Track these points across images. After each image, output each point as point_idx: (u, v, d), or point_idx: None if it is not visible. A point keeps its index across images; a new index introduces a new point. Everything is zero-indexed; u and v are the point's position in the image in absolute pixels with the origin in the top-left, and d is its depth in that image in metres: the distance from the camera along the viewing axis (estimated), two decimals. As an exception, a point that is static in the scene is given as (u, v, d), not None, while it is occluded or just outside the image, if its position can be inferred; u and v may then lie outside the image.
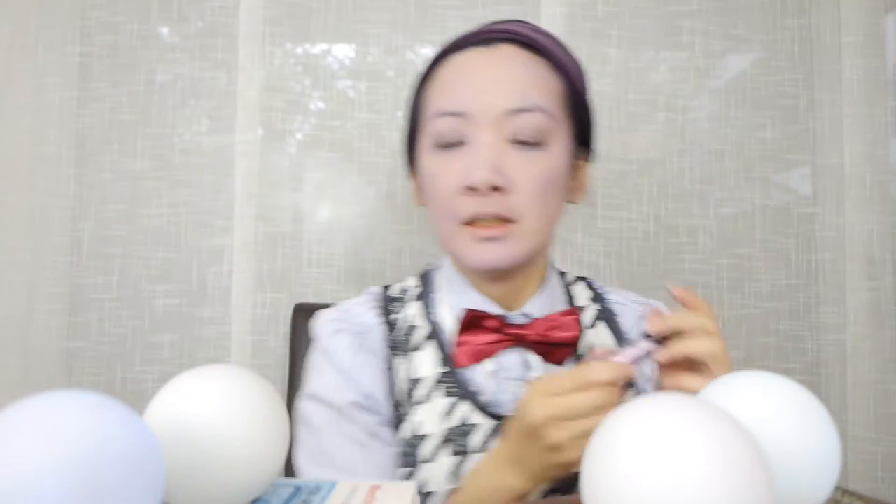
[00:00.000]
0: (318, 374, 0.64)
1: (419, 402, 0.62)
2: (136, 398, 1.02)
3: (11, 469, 0.24)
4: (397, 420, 0.62)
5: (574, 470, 0.46)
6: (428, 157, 0.62)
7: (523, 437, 0.51)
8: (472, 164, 0.58)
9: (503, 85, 0.59)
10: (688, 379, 0.50)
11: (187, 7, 1.07)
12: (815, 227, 1.10)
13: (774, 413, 0.33)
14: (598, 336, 0.68)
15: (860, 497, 0.39)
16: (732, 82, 1.11)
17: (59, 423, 0.26)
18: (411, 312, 0.67)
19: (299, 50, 1.09)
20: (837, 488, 0.41)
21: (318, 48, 1.09)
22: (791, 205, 1.11)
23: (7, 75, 1.04)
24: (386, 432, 0.62)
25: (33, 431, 0.25)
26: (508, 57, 0.61)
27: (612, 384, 0.48)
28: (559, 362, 0.63)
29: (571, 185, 0.66)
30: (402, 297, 0.69)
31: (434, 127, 0.61)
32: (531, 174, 0.59)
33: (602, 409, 0.47)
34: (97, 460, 0.25)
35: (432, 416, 0.61)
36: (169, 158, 1.06)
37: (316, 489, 0.38)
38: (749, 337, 1.09)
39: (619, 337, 0.69)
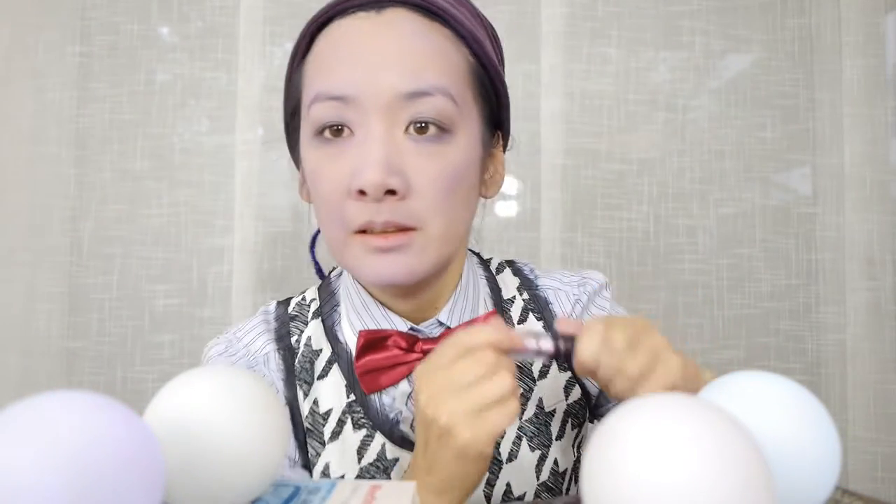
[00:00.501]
0: None
1: (330, 439, 0.54)
2: (136, 398, 1.02)
3: (11, 469, 0.24)
4: (307, 462, 0.55)
5: (479, 462, 0.42)
6: (309, 150, 0.52)
7: (422, 431, 0.43)
8: (361, 163, 0.47)
9: (394, 62, 0.48)
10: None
11: (187, 7, 1.07)
12: (815, 227, 1.10)
13: (774, 413, 0.33)
14: None
15: (860, 497, 0.39)
16: (732, 82, 1.11)
17: (59, 423, 0.26)
18: (311, 333, 0.58)
19: (299, 50, 1.09)
20: (837, 488, 0.41)
21: (318, 48, 1.09)
22: (791, 205, 1.11)
23: (7, 75, 1.04)
24: (301, 473, 0.55)
25: (33, 431, 0.25)
26: (400, 25, 0.50)
27: (495, 347, 0.42)
28: None
29: (484, 179, 0.57)
30: (300, 315, 0.60)
31: (314, 113, 0.50)
32: (433, 172, 0.49)
33: (489, 377, 0.41)
34: (97, 460, 0.25)
35: (343, 455, 0.54)
36: (169, 158, 1.06)
37: (316, 489, 0.38)
38: (749, 337, 1.09)
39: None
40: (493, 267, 0.66)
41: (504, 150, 0.61)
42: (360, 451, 0.54)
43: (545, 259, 1.06)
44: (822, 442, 0.33)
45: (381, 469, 0.54)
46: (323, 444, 0.55)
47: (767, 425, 0.32)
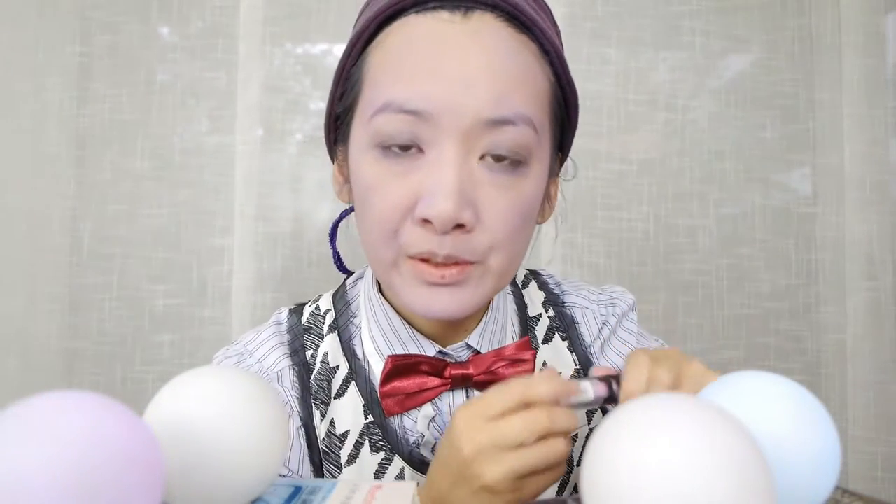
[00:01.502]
0: None
1: (347, 463, 0.52)
2: (136, 398, 1.02)
3: (11, 469, 0.24)
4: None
5: None
6: (365, 158, 0.47)
7: (450, 476, 0.40)
8: (432, 189, 0.43)
9: (481, 81, 0.43)
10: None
11: (187, 7, 1.07)
12: (815, 227, 1.10)
13: (774, 413, 0.33)
14: (555, 353, 0.57)
15: (860, 497, 0.39)
16: (732, 82, 1.11)
17: (59, 423, 0.26)
18: (327, 348, 0.54)
19: (299, 50, 1.09)
20: (837, 488, 0.41)
21: (318, 48, 1.09)
22: (791, 205, 1.11)
23: (7, 75, 1.04)
24: None
25: (33, 431, 0.25)
26: (489, 36, 0.45)
27: (555, 402, 0.40)
28: None
29: (542, 205, 0.53)
30: (315, 328, 0.56)
31: (380, 123, 0.45)
32: (504, 206, 0.45)
33: (543, 441, 0.38)
34: (97, 460, 0.25)
35: (361, 477, 0.52)
36: (169, 158, 1.06)
37: (316, 489, 0.38)
38: (749, 337, 1.09)
39: (580, 350, 0.58)
40: (518, 280, 0.62)
41: (562, 164, 0.58)
42: (378, 475, 0.52)
43: (545, 259, 1.06)
44: (822, 442, 0.33)
45: None
46: (339, 467, 0.52)
47: (767, 425, 0.32)
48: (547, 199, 0.54)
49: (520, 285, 0.62)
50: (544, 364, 0.58)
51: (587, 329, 0.60)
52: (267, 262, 1.06)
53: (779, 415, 0.33)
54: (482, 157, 0.45)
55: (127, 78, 1.06)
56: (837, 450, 0.33)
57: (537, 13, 0.49)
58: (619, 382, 0.42)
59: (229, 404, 0.34)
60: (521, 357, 0.52)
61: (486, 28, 0.45)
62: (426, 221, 0.44)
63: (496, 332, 0.55)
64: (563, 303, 0.61)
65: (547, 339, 0.58)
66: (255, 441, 0.34)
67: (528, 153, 0.46)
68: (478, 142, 0.44)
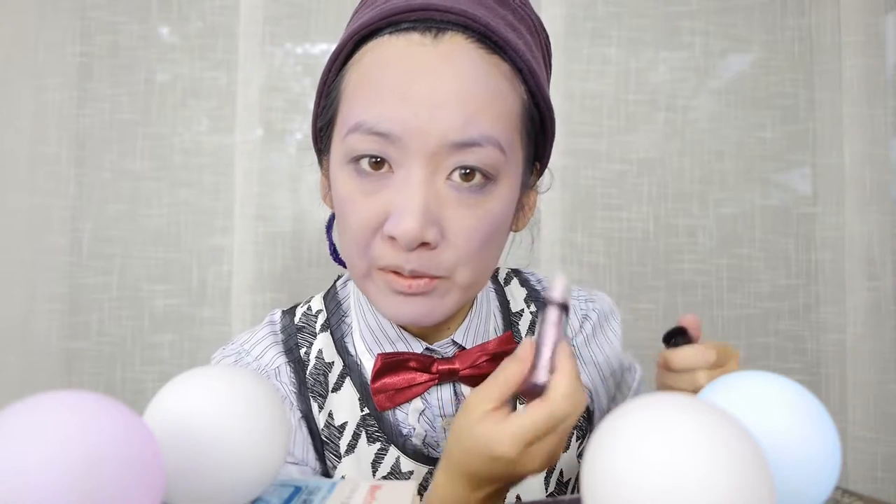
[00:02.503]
0: None
1: (346, 453, 0.54)
2: (136, 398, 1.02)
3: (11, 469, 0.24)
4: (327, 471, 0.55)
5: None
6: (341, 174, 0.49)
7: (487, 462, 0.43)
8: (398, 208, 0.45)
9: (448, 105, 0.45)
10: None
11: (187, 7, 1.07)
12: (815, 227, 1.10)
13: (774, 413, 0.33)
14: None
15: (860, 497, 0.39)
16: (732, 82, 1.11)
17: (59, 423, 0.26)
18: (321, 346, 0.57)
19: (299, 50, 1.09)
20: (837, 488, 0.41)
21: (318, 48, 1.09)
22: (791, 205, 1.11)
23: (7, 75, 1.04)
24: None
25: (33, 431, 0.25)
26: (459, 59, 0.46)
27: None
28: None
29: (517, 214, 0.55)
30: (308, 327, 0.59)
31: (352, 143, 0.47)
32: (470, 224, 0.47)
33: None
34: (97, 460, 0.25)
35: (359, 467, 0.54)
36: (169, 158, 1.06)
37: (316, 489, 0.38)
38: (749, 337, 1.09)
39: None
40: (500, 278, 0.65)
41: (539, 178, 0.59)
42: (375, 465, 0.54)
43: (545, 259, 1.06)
44: (822, 442, 0.33)
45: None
46: (339, 456, 0.55)
47: (767, 425, 0.32)
48: (521, 209, 0.56)
49: (502, 283, 0.65)
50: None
51: (568, 323, 0.61)
52: (267, 261, 1.06)
53: (779, 415, 0.33)
54: (449, 177, 0.46)
55: (127, 78, 1.06)
56: (837, 450, 0.33)
57: (514, 28, 0.49)
58: (567, 311, 0.44)
59: (229, 404, 0.34)
60: (505, 350, 0.54)
61: (457, 51, 0.46)
62: (393, 238, 0.46)
63: (480, 329, 0.58)
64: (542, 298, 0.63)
65: (530, 333, 0.61)
66: (255, 441, 0.34)
67: (495, 172, 0.47)
68: (444, 162, 0.46)
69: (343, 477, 0.55)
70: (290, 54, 1.08)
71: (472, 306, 0.58)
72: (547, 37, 0.56)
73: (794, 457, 0.32)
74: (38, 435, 0.25)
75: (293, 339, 0.58)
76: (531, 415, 0.41)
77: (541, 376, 0.42)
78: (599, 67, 1.09)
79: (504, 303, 0.63)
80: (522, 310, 0.62)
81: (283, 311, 0.62)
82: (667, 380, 0.51)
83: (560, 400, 0.41)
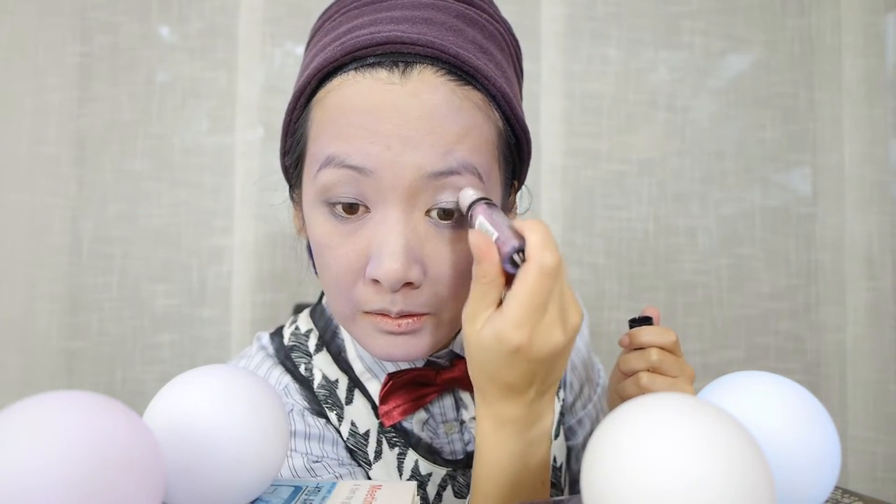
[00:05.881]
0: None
1: (375, 459, 0.54)
2: (136, 398, 1.02)
3: (11, 469, 0.24)
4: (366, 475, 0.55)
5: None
6: (315, 214, 0.47)
7: (509, 360, 0.41)
8: (379, 250, 0.43)
9: (421, 138, 0.43)
10: (647, 377, 0.52)
11: (187, 7, 1.07)
12: (815, 227, 1.10)
13: (774, 413, 0.33)
14: None
15: (860, 497, 0.39)
16: (732, 82, 1.11)
17: (59, 423, 0.26)
18: (321, 365, 0.56)
19: (299, 50, 1.09)
20: (837, 488, 0.41)
21: (318, 48, 1.09)
22: (791, 205, 1.11)
23: (7, 75, 1.04)
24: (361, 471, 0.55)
25: (33, 431, 0.25)
26: (429, 95, 0.44)
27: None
28: None
29: None
30: (300, 346, 0.58)
31: (325, 179, 0.45)
32: (452, 259, 0.45)
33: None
34: (97, 460, 0.25)
35: (388, 473, 0.54)
36: (169, 158, 1.06)
37: (316, 489, 0.38)
38: (749, 337, 1.09)
39: None
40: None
41: (516, 193, 0.58)
42: (399, 468, 0.54)
43: (545, 259, 1.06)
44: (822, 442, 0.33)
45: (419, 484, 0.54)
46: (369, 463, 0.54)
47: (767, 425, 0.32)
48: None
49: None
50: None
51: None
52: (267, 262, 1.06)
53: (779, 415, 0.33)
54: (427, 213, 0.45)
55: (127, 78, 1.06)
56: (837, 450, 0.33)
57: (484, 51, 0.48)
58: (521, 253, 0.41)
59: (229, 404, 0.34)
60: None
61: (426, 88, 0.44)
62: (376, 281, 0.44)
63: None
64: None
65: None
66: (255, 441, 0.34)
67: None
68: (422, 196, 0.44)
69: (370, 478, 0.55)
70: (290, 54, 1.08)
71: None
72: (516, 42, 0.55)
73: (794, 457, 0.32)
74: (38, 435, 0.25)
75: (289, 360, 0.57)
76: (519, 286, 0.39)
77: (511, 243, 0.40)
78: (599, 67, 1.09)
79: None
80: None
81: (269, 333, 0.60)
82: (625, 358, 0.55)
83: (541, 251, 0.39)
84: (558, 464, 0.61)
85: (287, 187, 0.58)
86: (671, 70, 1.11)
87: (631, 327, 0.57)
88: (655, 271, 1.08)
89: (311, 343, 0.58)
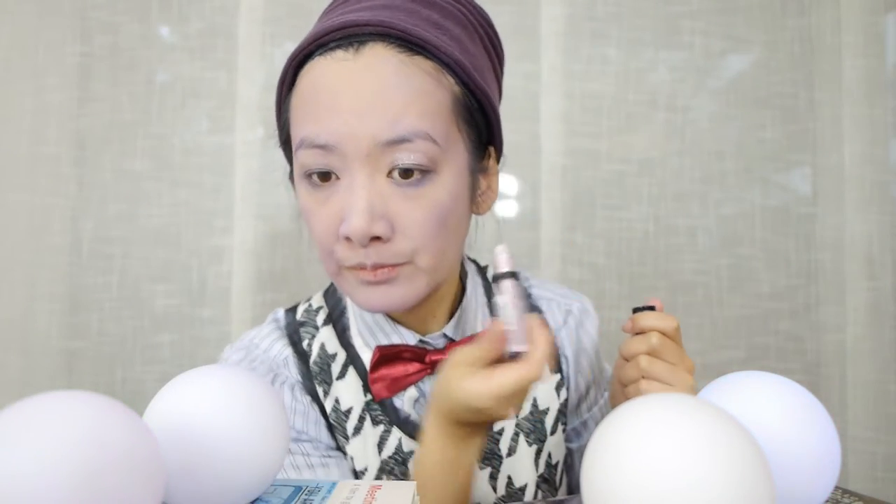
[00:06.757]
0: None
1: (353, 434, 0.59)
2: (136, 398, 1.02)
3: (11, 469, 0.24)
4: (339, 445, 0.59)
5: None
6: (300, 188, 0.54)
7: (471, 412, 0.48)
8: (347, 210, 0.49)
9: (373, 109, 0.48)
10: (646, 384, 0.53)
11: (187, 7, 1.07)
12: (815, 227, 1.10)
13: (774, 413, 0.33)
14: None
15: (860, 497, 0.40)
16: (732, 82, 1.11)
17: (59, 423, 0.26)
18: (324, 339, 0.62)
19: (299, 50, 1.09)
20: (837, 488, 0.41)
21: (318, 48, 1.09)
22: (791, 205, 1.11)
23: (7, 75, 1.04)
24: (337, 454, 0.59)
25: (33, 431, 0.25)
26: (379, 67, 0.49)
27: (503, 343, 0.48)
28: None
29: (476, 197, 0.57)
30: (309, 321, 0.63)
31: (301, 158, 0.52)
32: (419, 215, 0.50)
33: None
34: (97, 460, 0.25)
35: (365, 448, 0.58)
36: (169, 158, 1.06)
37: (316, 489, 0.38)
38: (749, 337, 1.09)
39: None
40: (489, 274, 0.69)
41: (498, 162, 0.61)
42: (380, 445, 0.58)
43: (545, 259, 1.06)
44: (822, 442, 0.33)
45: (400, 461, 0.58)
46: (346, 438, 0.59)
47: (767, 425, 0.32)
48: (480, 192, 0.58)
49: (490, 279, 0.69)
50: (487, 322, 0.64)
51: (552, 318, 0.67)
52: (267, 261, 1.06)
53: (779, 415, 0.33)
54: (389, 174, 0.50)
55: (127, 78, 1.06)
56: (837, 450, 0.33)
57: (438, 26, 0.52)
58: (517, 278, 0.49)
59: (229, 404, 0.34)
60: None
61: (376, 60, 0.49)
62: (349, 239, 0.50)
63: (468, 323, 0.63)
64: (530, 294, 0.69)
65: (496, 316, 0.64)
66: (255, 441, 0.34)
67: (433, 163, 0.50)
68: (381, 161, 0.49)
69: (366, 468, 0.58)
70: (289, 54, 1.08)
71: (460, 302, 0.63)
72: (486, 22, 0.58)
73: (794, 457, 0.32)
74: (39, 435, 0.25)
75: (297, 334, 0.62)
76: (508, 377, 0.46)
77: (516, 346, 0.48)
78: (599, 67, 1.09)
79: (491, 296, 0.67)
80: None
81: (285, 309, 0.66)
82: (626, 343, 0.57)
83: (535, 366, 0.46)
84: (554, 461, 0.64)
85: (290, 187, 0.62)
86: (671, 70, 1.11)
87: (634, 314, 0.58)
88: (655, 271, 1.08)
89: (320, 318, 0.63)
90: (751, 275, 1.09)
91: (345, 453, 0.59)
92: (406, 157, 0.49)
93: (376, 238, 0.50)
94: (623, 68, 1.09)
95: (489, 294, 0.67)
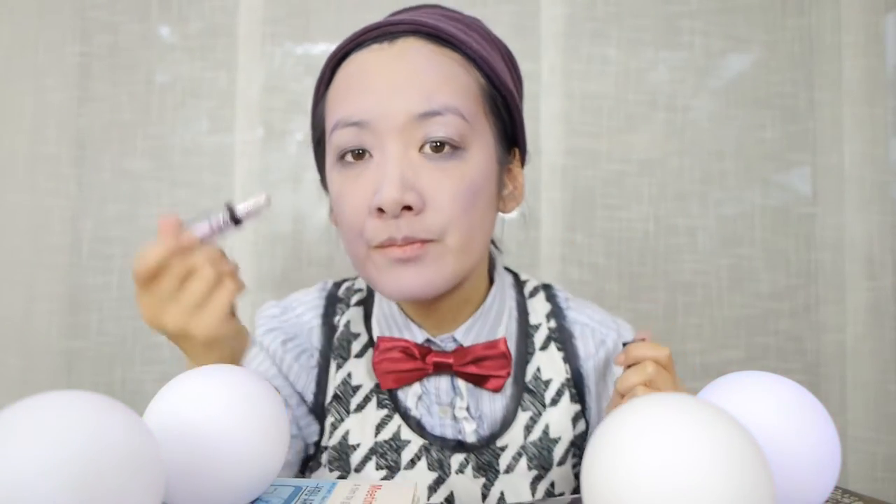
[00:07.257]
0: (252, 360, 0.63)
1: (354, 410, 0.60)
2: (136, 398, 1.02)
3: (11, 469, 0.24)
4: (324, 421, 0.61)
5: (224, 348, 0.50)
6: (333, 174, 0.55)
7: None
8: (379, 182, 0.50)
9: (406, 87, 0.51)
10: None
11: (187, 7, 1.07)
12: (815, 227, 1.10)
13: (774, 413, 0.33)
14: (550, 360, 0.62)
15: (860, 497, 0.40)
16: (732, 82, 1.11)
17: (59, 423, 0.26)
18: (351, 317, 0.64)
19: (299, 50, 1.09)
20: (837, 488, 0.41)
21: (318, 48, 1.09)
22: (791, 205, 1.11)
23: (7, 75, 1.04)
24: (305, 422, 0.62)
25: (33, 431, 0.25)
26: (411, 53, 0.53)
27: (178, 252, 0.48)
28: (497, 389, 0.59)
29: (503, 194, 0.59)
30: (346, 299, 0.66)
31: (335, 140, 0.53)
32: (450, 187, 0.51)
33: (190, 279, 0.48)
34: (97, 461, 0.25)
35: (363, 426, 0.60)
36: (169, 158, 1.06)
37: (316, 489, 0.38)
38: (749, 337, 1.09)
39: (573, 362, 0.63)
40: (527, 290, 0.68)
41: (522, 166, 0.63)
42: (379, 428, 0.60)
43: (545, 259, 1.06)
44: (822, 442, 0.33)
45: (394, 448, 0.59)
46: (347, 412, 0.61)
47: (767, 425, 0.32)
48: (505, 189, 0.60)
49: (526, 295, 0.67)
50: (538, 370, 0.62)
51: (583, 345, 0.64)
52: (267, 261, 1.06)
53: (779, 415, 0.33)
54: (421, 148, 0.52)
55: (127, 78, 1.06)
56: (837, 450, 0.33)
57: (465, 33, 0.56)
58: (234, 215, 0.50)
59: (229, 404, 0.34)
60: (487, 354, 0.59)
61: (409, 48, 0.53)
62: (380, 211, 0.51)
63: (484, 330, 0.61)
64: (566, 317, 0.66)
65: (543, 347, 0.63)
66: (255, 441, 0.34)
67: (463, 139, 0.52)
68: (413, 135, 0.51)
69: (359, 444, 0.60)
70: (290, 54, 1.08)
71: (479, 307, 0.62)
72: (508, 51, 0.61)
73: (794, 457, 0.32)
74: (39, 435, 0.25)
75: (333, 307, 0.65)
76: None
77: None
78: (599, 67, 1.09)
79: (523, 313, 0.65)
80: (540, 324, 0.65)
81: (335, 282, 0.69)
82: (621, 378, 0.54)
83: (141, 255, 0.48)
84: (557, 491, 0.61)
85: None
86: (671, 70, 1.11)
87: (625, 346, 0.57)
88: (655, 271, 1.08)
89: (356, 298, 0.66)
90: (751, 275, 1.09)
91: (322, 424, 0.61)
92: (438, 130, 0.51)
93: (407, 209, 0.50)
94: (623, 68, 1.09)
95: (521, 310, 0.65)
